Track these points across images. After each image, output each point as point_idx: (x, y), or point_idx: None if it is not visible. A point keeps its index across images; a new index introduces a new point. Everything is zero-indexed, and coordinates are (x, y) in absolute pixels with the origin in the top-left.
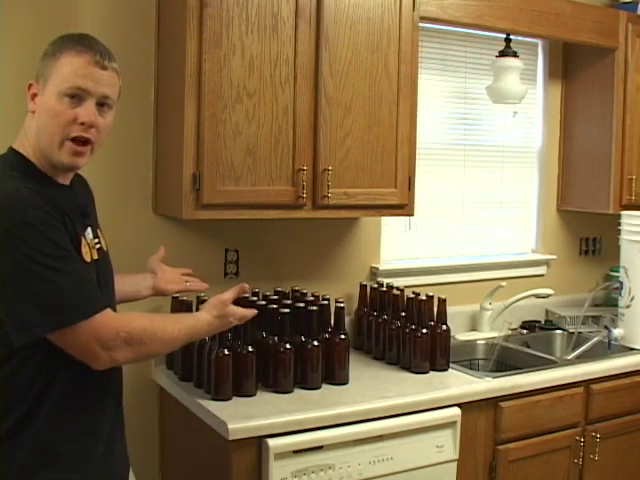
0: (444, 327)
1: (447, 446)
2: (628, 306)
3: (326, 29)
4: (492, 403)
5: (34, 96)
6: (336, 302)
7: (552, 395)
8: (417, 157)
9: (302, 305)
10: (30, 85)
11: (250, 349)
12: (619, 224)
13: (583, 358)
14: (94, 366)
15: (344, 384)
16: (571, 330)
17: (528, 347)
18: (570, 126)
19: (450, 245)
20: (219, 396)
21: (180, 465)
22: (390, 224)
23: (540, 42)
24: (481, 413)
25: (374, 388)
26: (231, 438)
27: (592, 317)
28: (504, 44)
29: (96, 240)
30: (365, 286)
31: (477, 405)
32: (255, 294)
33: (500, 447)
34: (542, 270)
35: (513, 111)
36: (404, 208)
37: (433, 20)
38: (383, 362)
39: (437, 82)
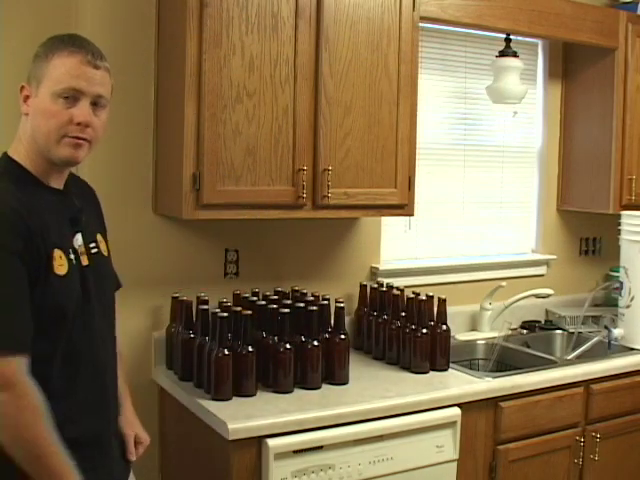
0: (444, 327)
1: (447, 446)
2: (628, 306)
3: (326, 29)
4: (492, 403)
5: (26, 98)
6: (336, 302)
7: (552, 395)
8: (417, 157)
9: (302, 305)
10: (22, 87)
11: (250, 349)
12: (619, 224)
13: (583, 358)
14: None
15: (344, 384)
16: (571, 330)
17: (528, 347)
18: (570, 126)
19: (450, 245)
20: (219, 396)
21: (180, 465)
22: (390, 224)
23: (540, 42)
24: (481, 413)
25: (374, 388)
26: (231, 438)
27: (592, 317)
28: (504, 44)
29: (92, 245)
30: (365, 286)
31: (477, 405)
32: (255, 294)
33: (500, 447)
34: (542, 270)
35: (513, 111)
36: (404, 208)
37: (433, 20)
38: (383, 362)
39: (437, 82)
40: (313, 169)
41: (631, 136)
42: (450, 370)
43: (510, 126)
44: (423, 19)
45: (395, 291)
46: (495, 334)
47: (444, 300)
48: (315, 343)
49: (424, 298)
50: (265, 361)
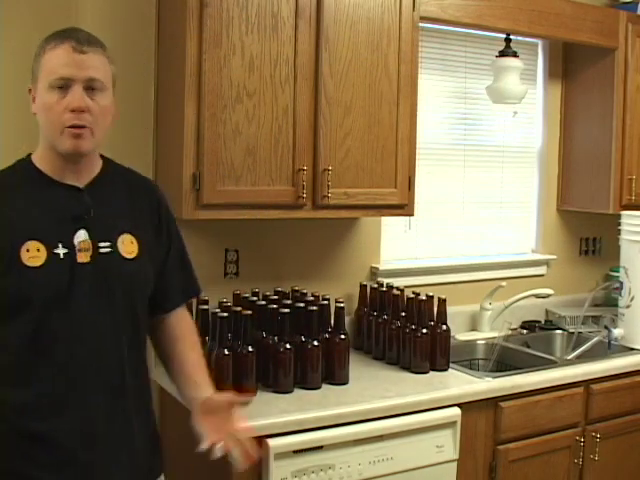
0: (444, 327)
1: (447, 446)
2: (628, 306)
3: (326, 29)
4: (492, 403)
5: (34, 98)
6: (336, 302)
7: (552, 395)
8: (417, 157)
9: (302, 305)
10: (30, 90)
11: (250, 349)
12: (619, 224)
13: (583, 358)
14: None
15: (344, 384)
16: (571, 330)
17: (528, 347)
18: (570, 126)
19: (450, 245)
20: None
21: (180, 465)
22: (390, 224)
23: (540, 42)
24: (481, 413)
25: (374, 388)
26: None
27: (592, 317)
28: (504, 44)
29: (103, 244)
30: (365, 286)
31: (477, 405)
32: (255, 294)
33: (500, 447)
34: (542, 270)
35: (513, 111)
36: (404, 208)
37: (433, 20)
38: (383, 362)
39: (437, 82)
40: (313, 169)
41: (631, 136)
42: (450, 370)
43: (510, 126)
44: (423, 19)
45: (395, 291)
46: (495, 334)
47: (444, 300)
48: (315, 343)
49: (424, 298)
50: (265, 361)
